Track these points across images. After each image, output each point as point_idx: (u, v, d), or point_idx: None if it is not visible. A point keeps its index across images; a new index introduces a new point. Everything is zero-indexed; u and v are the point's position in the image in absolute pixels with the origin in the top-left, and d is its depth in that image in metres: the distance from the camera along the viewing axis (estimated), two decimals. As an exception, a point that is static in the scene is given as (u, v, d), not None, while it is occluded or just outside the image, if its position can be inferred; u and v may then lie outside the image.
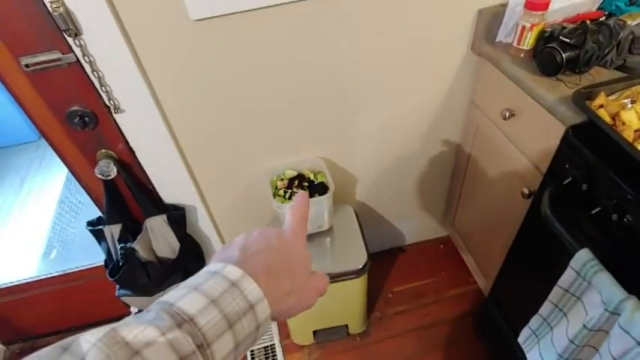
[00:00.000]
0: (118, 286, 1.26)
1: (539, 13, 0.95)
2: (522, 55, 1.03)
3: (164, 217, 1.20)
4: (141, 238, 1.19)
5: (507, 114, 1.05)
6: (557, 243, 0.85)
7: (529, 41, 1.00)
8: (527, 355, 0.96)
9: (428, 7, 1.05)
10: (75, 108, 1.01)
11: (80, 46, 0.89)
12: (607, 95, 0.85)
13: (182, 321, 0.29)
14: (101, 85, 0.97)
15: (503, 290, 1.28)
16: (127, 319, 0.29)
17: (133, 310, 1.47)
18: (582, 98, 0.84)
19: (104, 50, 0.92)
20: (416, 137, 1.36)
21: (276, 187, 1.25)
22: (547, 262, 1.00)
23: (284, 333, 1.54)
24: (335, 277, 1.21)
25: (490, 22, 1.08)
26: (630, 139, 0.76)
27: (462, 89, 1.26)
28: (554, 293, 0.85)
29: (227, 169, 1.27)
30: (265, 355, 1.51)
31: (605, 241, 0.79)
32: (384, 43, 1.10)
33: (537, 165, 1.00)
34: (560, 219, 0.86)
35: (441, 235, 1.80)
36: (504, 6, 1.04)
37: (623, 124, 0.79)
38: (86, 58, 0.91)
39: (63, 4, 0.83)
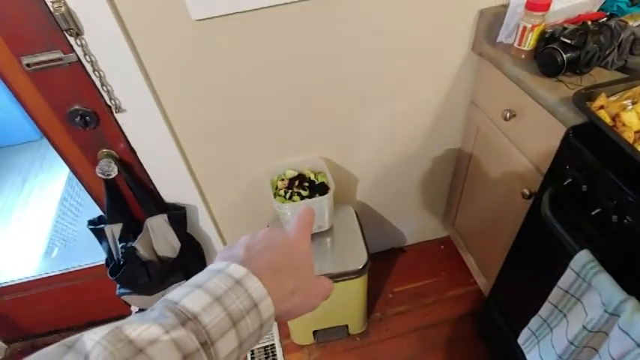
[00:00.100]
0: (118, 285, 1.26)
1: (540, 13, 0.95)
2: (523, 55, 1.03)
3: (165, 216, 1.20)
4: (142, 237, 1.20)
5: (508, 114, 1.05)
6: (557, 244, 0.85)
7: (530, 42, 1.00)
8: (527, 356, 0.97)
9: (429, 7, 1.05)
10: (76, 107, 1.01)
11: (81, 45, 0.89)
12: (608, 96, 0.85)
13: (186, 319, 0.29)
14: (102, 85, 0.97)
15: (504, 291, 1.28)
16: (131, 317, 0.29)
17: (134, 309, 1.47)
18: (583, 99, 0.84)
19: (105, 50, 0.92)
20: (416, 137, 1.37)
21: (276, 187, 1.25)
22: (547, 263, 1.00)
23: (284, 333, 1.55)
24: (335, 277, 1.21)
25: (491, 22, 1.08)
26: (631, 141, 0.76)
27: (462, 89, 1.26)
28: (554, 294, 0.85)
29: (228, 169, 1.27)
30: (265, 355, 1.51)
31: (605, 243, 0.79)
32: (385, 43, 1.10)
33: (538, 166, 1.00)
34: (560, 220, 0.86)
35: (442, 235, 1.80)
36: (505, 6, 1.04)
37: (624, 125, 0.79)
38: (87, 57, 0.92)
39: (64, 3, 0.83)
